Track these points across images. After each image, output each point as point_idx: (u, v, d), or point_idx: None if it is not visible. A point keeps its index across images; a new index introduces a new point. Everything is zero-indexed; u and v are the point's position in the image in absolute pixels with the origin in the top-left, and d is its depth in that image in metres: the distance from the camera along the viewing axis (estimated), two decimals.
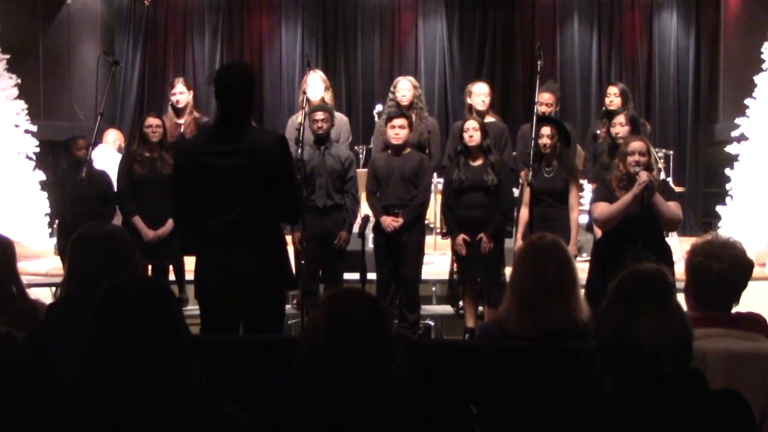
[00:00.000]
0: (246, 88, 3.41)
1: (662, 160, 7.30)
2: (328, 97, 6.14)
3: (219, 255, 3.37)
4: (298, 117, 6.12)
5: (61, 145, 6.37)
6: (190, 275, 6.07)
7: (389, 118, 5.44)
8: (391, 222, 5.31)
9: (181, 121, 6.20)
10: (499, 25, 10.16)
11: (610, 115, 6.33)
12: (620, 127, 5.55)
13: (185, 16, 10.31)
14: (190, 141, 3.89)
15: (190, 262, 6.04)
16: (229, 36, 10.31)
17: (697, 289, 2.60)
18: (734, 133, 7.62)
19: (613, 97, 6.41)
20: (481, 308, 5.50)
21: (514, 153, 6.30)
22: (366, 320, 1.80)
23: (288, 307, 5.41)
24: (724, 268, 2.54)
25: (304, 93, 6.02)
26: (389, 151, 5.51)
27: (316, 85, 5.99)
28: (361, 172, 5.92)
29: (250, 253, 3.34)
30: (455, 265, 5.62)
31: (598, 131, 6.49)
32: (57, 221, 6.14)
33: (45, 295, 5.53)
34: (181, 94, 6.22)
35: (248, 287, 3.35)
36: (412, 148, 5.63)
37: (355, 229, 5.52)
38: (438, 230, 7.08)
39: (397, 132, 5.37)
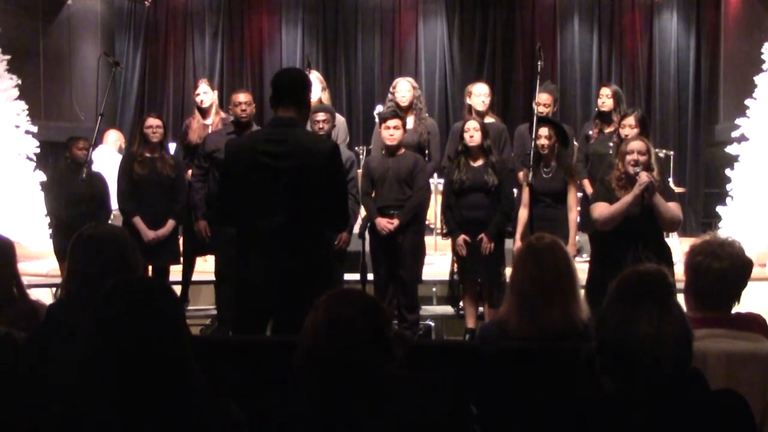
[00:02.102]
0: (300, 91, 3.46)
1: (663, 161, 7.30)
2: (325, 97, 6.13)
3: (263, 258, 3.38)
4: None
5: (62, 146, 6.37)
6: (194, 276, 6.10)
7: (383, 119, 5.43)
8: (385, 224, 5.30)
9: (208, 121, 6.15)
10: (500, 25, 10.17)
11: (603, 116, 6.33)
12: (629, 128, 5.52)
13: (186, 16, 10.32)
14: (245, 139, 3.91)
15: (195, 264, 6.09)
16: (230, 37, 10.32)
17: (697, 289, 2.61)
18: (735, 134, 7.62)
19: (605, 99, 6.40)
20: (481, 309, 5.49)
21: (512, 153, 6.30)
22: (365, 320, 1.80)
23: None
24: (723, 266, 2.54)
25: None
26: (383, 152, 5.51)
27: (313, 86, 5.97)
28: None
29: (293, 256, 3.35)
30: (455, 265, 5.62)
31: (591, 132, 6.48)
32: (53, 222, 6.13)
33: (45, 296, 5.54)
34: (205, 93, 6.15)
35: (290, 290, 3.36)
36: (411, 149, 5.63)
37: (356, 230, 5.52)
38: (438, 231, 7.08)
39: (392, 133, 5.36)
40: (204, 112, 6.15)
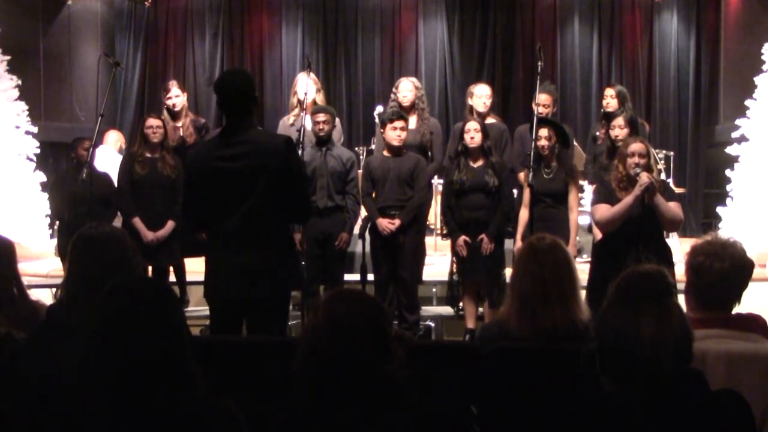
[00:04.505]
0: (245, 92, 3.49)
1: (662, 161, 7.30)
2: (320, 98, 6.14)
3: (228, 255, 3.44)
4: (290, 118, 6.14)
5: (62, 147, 6.39)
6: (191, 276, 6.10)
7: (390, 120, 5.43)
8: (387, 225, 5.31)
9: (179, 124, 6.18)
10: (500, 26, 10.16)
11: (608, 116, 6.32)
12: (619, 129, 5.53)
13: (186, 17, 10.32)
14: (201, 147, 3.99)
15: (190, 264, 6.09)
16: (230, 37, 10.32)
17: (698, 289, 2.60)
18: (735, 134, 7.62)
19: (609, 99, 6.40)
20: (481, 309, 5.49)
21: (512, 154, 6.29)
22: (365, 321, 1.80)
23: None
24: (725, 267, 2.54)
25: (296, 95, 6.04)
26: (385, 153, 5.52)
27: (308, 87, 5.98)
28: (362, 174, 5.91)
29: (258, 253, 3.41)
30: (455, 266, 5.62)
31: (598, 133, 6.48)
32: (57, 222, 6.14)
33: (45, 296, 5.53)
34: (177, 97, 6.18)
35: (256, 286, 3.42)
36: (414, 149, 5.63)
37: (356, 230, 5.52)
38: (438, 231, 7.08)
39: (399, 134, 5.37)
40: (175, 115, 6.17)
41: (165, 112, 6.21)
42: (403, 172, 5.37)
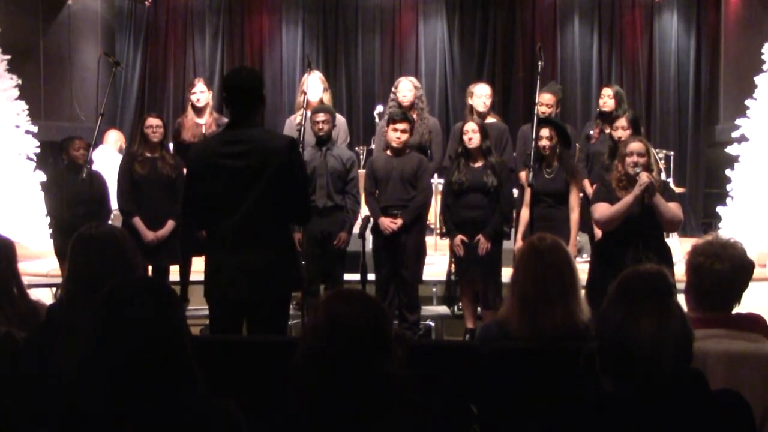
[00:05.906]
0: (253, 90, 3.48)
1: (663, 161, 7.30)
2: (327, 98, 6.14)
3: (228, 254, 3.43)
4: (297, 118, 6.13)
5: (58, 147, 6.38)
6: (193, 276, 6.09)
7: (392, 120, 5.42)
8: (389, 224, 5.31)
9: (202, 121, 6.17)
10: (500, 25, 10.17)
11: (604, 116, 6.32)
12: (622, 130, 5.52)
13: (186, 16, 10.33)
14: (203, 144, 3.97)
15: (192, 263, 6.08)
16: (230, 37, 10.32)
17: (698, 290, 2.60)
18: (735, 134, 7.63)
19: (606, 99, 6.39)
20: (479, 309, 5.49)
21: (514, 154, 6.30)
22: (365, 321, 1.80)
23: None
24: (725, 268, 2.54)
25: (303, 94, 6.03)
26: (388, 152, 5.51)
27: (314, 86, 5.99)
28: (362, 173, 5.91)
29: (259, 253, 3.40)
30: (453, 266, 5.62)
31: (592, 132, 6.48)
32: (53, 222, 6.13)
33: (45, 296, 5.53)
34: (202, 93, 6.17)
35: (256, 286, 3.41)
36: (413, 149, 5.62)
37: (356, 230, 5.52)
38: (438, 231, 7.08)
39: (399, 136, 5.36)
40: (199, 111, 6.17)
41: (189, 108, 6.20)
42: (405, 172, 5.37)
